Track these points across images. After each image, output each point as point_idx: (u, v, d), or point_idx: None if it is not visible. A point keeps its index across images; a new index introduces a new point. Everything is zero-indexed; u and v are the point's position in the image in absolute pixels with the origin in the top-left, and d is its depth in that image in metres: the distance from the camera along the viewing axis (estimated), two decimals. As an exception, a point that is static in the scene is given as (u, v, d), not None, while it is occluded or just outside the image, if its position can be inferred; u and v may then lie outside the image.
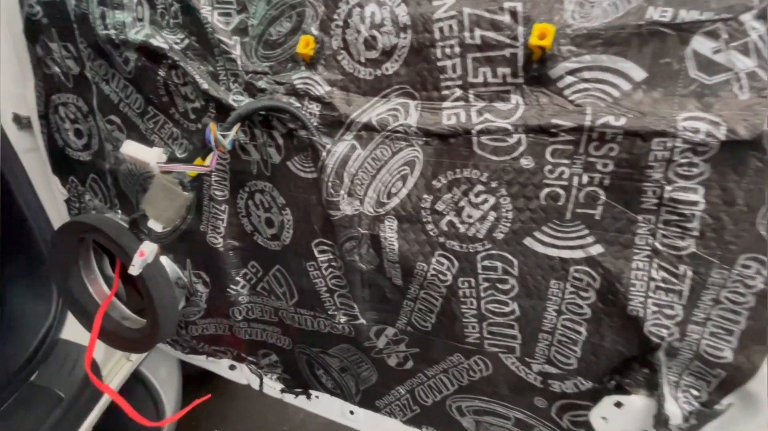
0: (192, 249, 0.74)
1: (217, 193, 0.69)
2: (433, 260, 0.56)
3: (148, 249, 0.56)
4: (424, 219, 0.54)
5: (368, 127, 0.53)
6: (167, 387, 1.30)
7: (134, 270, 0.56)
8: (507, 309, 0.56)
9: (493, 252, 0.53)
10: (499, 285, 0.55)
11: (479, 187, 0.50)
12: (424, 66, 0.49)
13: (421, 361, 0.67)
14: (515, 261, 0.52)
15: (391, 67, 0.51)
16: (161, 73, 0.64)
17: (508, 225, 0.51)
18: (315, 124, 0.55)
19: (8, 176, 0.95)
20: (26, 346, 0.98)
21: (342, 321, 0.68)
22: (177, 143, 0.69)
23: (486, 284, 0.55)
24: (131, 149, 0.52)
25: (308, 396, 0.84)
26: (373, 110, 0.53)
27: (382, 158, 0.54)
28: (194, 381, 1.51)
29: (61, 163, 0.81)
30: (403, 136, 0.52)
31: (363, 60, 0.52)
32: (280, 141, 0.60)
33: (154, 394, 1.25)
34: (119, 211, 0.78)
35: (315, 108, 0.55)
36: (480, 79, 0.47)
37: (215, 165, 0.62)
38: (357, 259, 0.60)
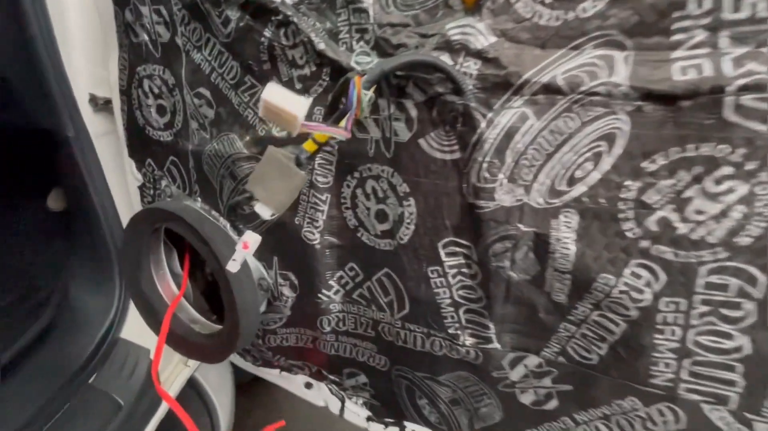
0: (282, 245, 0.63)
1: (319, 178, 0.57)
2: (627, 271, 0.41)
3: (252, 241, 0.45)
4: (622, 215, 0.40)
5: (549, 89, 0.40)
6: (221, 395, 1.21)
7: (234, 265, 0.45)
8: (729, 345, 0.40)
9: (729, 264, 0.37)
10: (726, 311, 0.39)
11: (726, 170, 0.35)
12: (646, 1, 0.36)
13: (572, 402, 0.52)
14: (762, 279, 0.37)
15: (591, 6, 0.38)
16: (267, 33, 0.54)
17: (763, 226, 0.35)
18: (470, 87, 0.43)
19: (80, 162, 0.89)
20: (87, 344, 0.91)
21: (467, 343, 0.55)
22: (275, 119, 0.59)
23: (704, 308, 0.40)
24: (276, 95, 0.37)
25: (402, 429, 0.70)
26: (557, 66, 0.39)
27: (564, 131, 0.40)
28: (243, 389, 1.42)
29: (139, 144, 0.74)
30: (603, 99, 0.38)
31: (548, 0, 0.39)
32: (413, 113, 0.48)
33: (208, 404, 1.15)
34: (199, 199, 0.69)
35: (472, 66, 0.43)
36: (744, 13, 0.33)
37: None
38: (507, 266, 0.46)
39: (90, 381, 0.88)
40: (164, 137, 0.69)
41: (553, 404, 0.54)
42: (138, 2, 0.63)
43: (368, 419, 0.73)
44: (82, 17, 0.79)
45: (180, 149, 0.68)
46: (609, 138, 0.39)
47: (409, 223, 0.53)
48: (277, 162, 0.43)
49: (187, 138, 0.67)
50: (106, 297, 0.98)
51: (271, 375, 0.81)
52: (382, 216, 0.56)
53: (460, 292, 0.53)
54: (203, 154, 0.65)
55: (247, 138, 0.61)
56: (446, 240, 0.51)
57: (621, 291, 0.42)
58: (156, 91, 0.67)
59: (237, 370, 1.36)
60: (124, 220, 0.97)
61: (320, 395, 0.78)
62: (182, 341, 0.75)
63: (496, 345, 0.53)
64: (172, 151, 0.69)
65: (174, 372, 1.04)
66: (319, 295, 0.65)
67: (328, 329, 0.68)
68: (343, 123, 0.40)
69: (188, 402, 1.14)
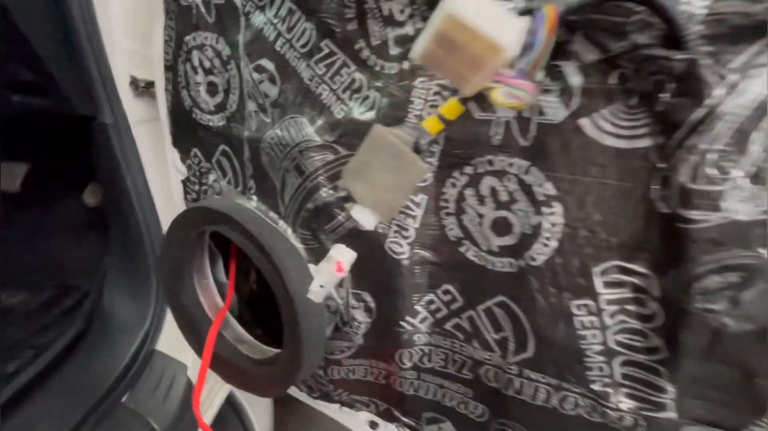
0: (359, 258, 0.49)
1: (414, 174, 0.44)
2: None
3: (346, 260, 0.32)
4: None
5: None
6: (261, 416, 1.10)
7: (319, 294, 0.33)
8: None
9: None
10: None
11: None
12: None
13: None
14: None
15: None
16: (356, -21, 0.40)
17: None
18: (693, 35, 0.28)
19: (118, 152, 0.79)
20: (121, 356, 0.81)
21: (623, 407, 0.39)
22: (358, 97, 0.45)
23: None
24: (476, 9, 0.22)
25: (497, 495, 0.56)
26: None
27: None
28: (278, 398, 1.31)
29: (185, 130, 0.63)
30: None
31: None
32: (576, 80, 0.33)
33: (246, 425, 1.04)
34: (254, 197, 0.57)
35: (697, 3, 0.28)
36: None
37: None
38: (723, 310, 0.31)
39: (123, 400, 0.79)
40: (214, 122, 0.58)
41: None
42: (189, -46, 0.51)
43: (451, 476, 0.59)
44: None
45: (233, 136, 0.56)
46: None
47: (548, 239, 0.38)
48: (387, 147, 0.30)
49: (243, 122, 0.55)
50: (142, 303, 0.88)
51: (328, 409, 0.68)
52: (502, 227, 0.41)
53: (620, 337, 0.38)
54: (262, 142, 0.53)
55: (320, 122, 0.48)
56: (609, 264, 0.36)
57: None
58: (207, 65, 0.56)
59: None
60: (164, 218, 0.87)
61: (387, 438, 0.65)
62: (228, 365, 0.63)
63: (670, 414, 0.37)
64: (224, 138, 0.57)
65: (213, 389, 0.94)
66: (402, 323, 0.51)
67: (408, 365, 0.54)
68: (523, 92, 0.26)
69: (226, 423, 1.03)
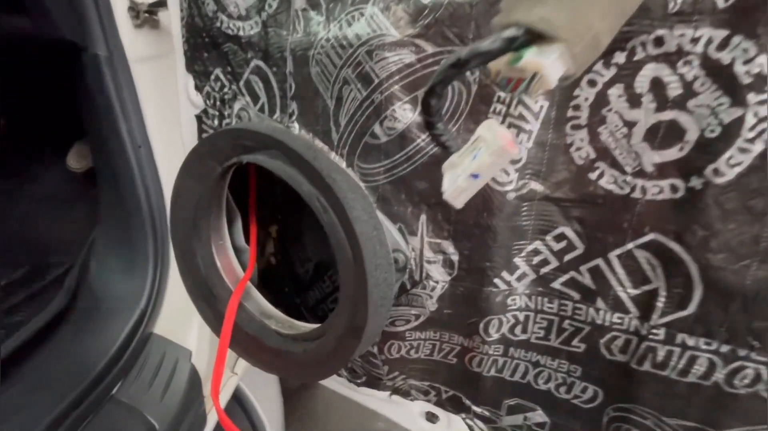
0: (438, 194, 0.38)
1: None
2: None
3: (511, 138, 0.20)
4: None
5: None
6: (271, 412, 0.96)
7: (464, 195, 0.21)
8: None
9: None
10: None
11: None
12: None
13: None
14: None
15: None
16: None
17: None
18: None
19: (112, 94, 0.66)
20: (111, 340, 0.67)
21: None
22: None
23: None
24: None
25: (604, 502, 0.44)
26: None
27: None
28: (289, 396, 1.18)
29: (204, 47, 0.50)
30: None
31: None
32: None
33: (255, 422, 0.91)
34: (295, 124, 0.45)
35: None
36: None
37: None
38: None
39: (114, 392, 0.65)
40: (245, 30, 0.45)
41: None
42: None
43: (537, 479, 0.48)
44: None
45: (271, 45, 0.44)
46: None
47: (751, 140, 0.27)
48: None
49: (285, 26, 0.43)
50: (137, 279, 0.74)
51: (371, 398, 0.56)
52: (667, 135, 0.30)
53: None
54: (313, 47, 0.41)
55: (399, 8, 0.36)
56: None
57: None
58: (240, -49, 0.43)
59: (282, 379, 1.12)
60: (166, 178, 0.74)
61: (449, 433, 0.53)
62: (253, 344, 0.50)
63: None
64: (258, 49, 0.45)
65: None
66: (495, 281, 0.39)
67: (494, 336, 0.42)
68: None
69: (234, 422, 0.90)
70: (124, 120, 0.68)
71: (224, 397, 0.79)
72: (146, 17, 0.63)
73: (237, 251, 0.59)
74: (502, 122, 0.34)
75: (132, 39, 0.65)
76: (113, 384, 0.65)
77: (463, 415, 0.50)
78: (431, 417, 0.53)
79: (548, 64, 0.19)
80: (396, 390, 0.52)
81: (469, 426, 0.50)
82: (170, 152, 0.71)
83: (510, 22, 0.19)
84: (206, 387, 0.73)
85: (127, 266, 0.75)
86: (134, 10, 0.62)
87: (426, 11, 0.35)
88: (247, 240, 0.60)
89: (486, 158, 0.21)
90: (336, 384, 0.62)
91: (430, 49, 0.36)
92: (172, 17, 0.52)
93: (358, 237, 0.36)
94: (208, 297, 0.53)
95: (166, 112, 0.69)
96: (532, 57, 0.19)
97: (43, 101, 0.98)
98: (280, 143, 0.38)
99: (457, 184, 0.22)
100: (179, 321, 0.74)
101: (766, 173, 0.27)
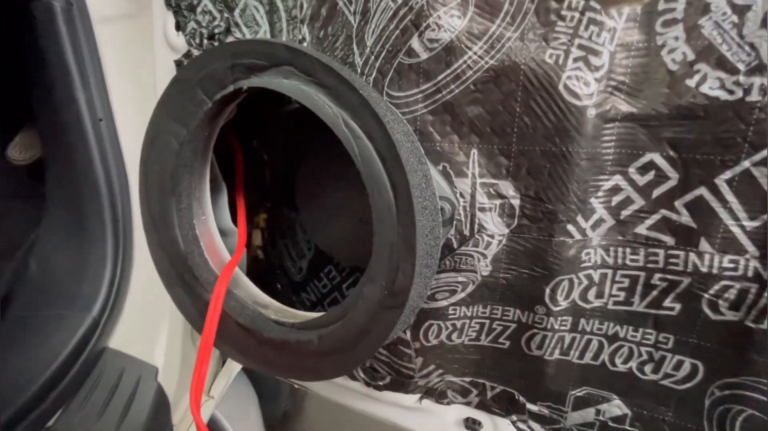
0: (500, 116, 0.30)
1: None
2: None
3: None
4: None
5: None
6: (252, 447, 0.81)
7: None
8: None
9: None
10: None
11: None
12: None
13: None
14: None
15: None
16: None
17: None
18: None
19: (70, 57, 0.56)
20: (49, 359, 0.52)
21: None
22: None
23: None
24: None
25: None
26: None
27: None
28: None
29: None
30: None
31: None
32: None
33: (234, 460, 0.75)
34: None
35: None
36: None
37: None
38: None
39: (50, 424, 0.49)
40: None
41: None
42: None
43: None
44: None
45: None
46: None
47: None
48: None
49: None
50: (89, 281, 0.60)
51: (397, 407, 0.45)
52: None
53: None
54: (332, -48, 0.34)
55: None
56: None
57: None
58: None
59: (263, 408, 0.97)
60: (130, 160, 0.62)
61: (493, 444, 0.42)
62: (246, 337, 0.39)
63: None
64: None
65: (187, 415, 0.65)
66: (569, 227, 0.32)
67: (563, 304, 0.34)
68: None
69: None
70: (83, 88, 0.58)
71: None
72: (115, -34, 0.55)
73: (222, 234, 0.48)
74: (579, 19, 0.28)
75: (96, -3, 0.56)
76: (49, 413, 0.49)
77: (515, 417, 0.40)
78: (472, 424, 0.43)
79: None
80: (428, 392, 0.42)
81: (522, 430, 0.40)
82: (137, 127, 0.60)
83: None
84: (177, 413, 0.59)
85: (78, 266, 0.61)
86: (101, -42, 0.54)
87: None
88: (234, 222, 0.50)
89: None
90: (343, 394, 0.50)
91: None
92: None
93: (404, 166, 0.27)
94: (188, 281, 0.41)
95: (135, 79, 0.59)
96: None
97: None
98: (297, 52, 0.29)
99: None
100: (143, 331, 0.60)
101: None
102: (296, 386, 0.68)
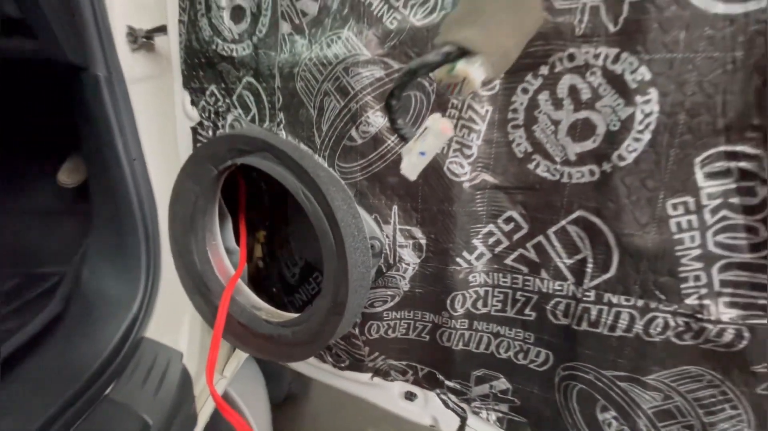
0: (410, 186, 0.45)
1: (480, 81, 0.40)
2: None
3: (448, 124, 0.27)
4: None
5: None
6: (258, 417, 0.99)
7: (416, 166, 0.27)
8: None
9: None
10: None
11: None
12: None
13: None
14: None
15: None
16: None
17: None
18: None
19: (110, 111, 0.71)
20: (104, 343, 0.70)
21: (724, 318, 0.36)
22: (414, 2, 0.42)
23: None
24: None
25: (562, 457, 0.50)
26: None
27: None
28: (278, 411, 1.20)
29: (200, 66, 0.56)
30: None
31: None
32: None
33: (244, 426, 0.93)
34: (283, 131, 0.51)
35: None
36: None
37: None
38: None
39: (107, 392, 0.67)
40: (239, 51, 0.52)
41: None
42: None
43: (505, 442, 0.53)
44: None
45: (261, 64, 0.51)
46: None
47: (641, 131, 0.35)
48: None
49: (274, 47, 0.50)
50: (129, 285, 0.77)
51: (355, 383, 0.60)
52: (583, 130, 0.38)
53: (721, 237, 0.35)
54: (297, 65, 0.48)
55: (369, 33, 0.44)
56: (713, 152, 0.33)
57: None
58: (234, -15, 0.51)
59: (269, 387, 1.14)
60: (159, 188, 0.79)
61: (426, 410, 0.58)
62: (243, 332, 0.55)
63: (780, 320, 0.34)
64: (250, 68, 0.52)
65: (205, 390, 0.83)
66: (457, 260, 0.46)
67: (460, 311, 0.48)
68: None
69: (220, 423, 0.92)
70: (120, 135, 0.73)
71: (212, 401, 0.81)
72: (143, 42, 0.70)
73: (227, 252, 0.64)
74: (456, 124, 0.42)
75: (129, 61, 0.71)
76: (107, 384, 0.67)
77: (438, 391, 0.55)
78: (410, 396, 0.58)
79: (473, 70, 0.26)
80: (377, 372, 0.57)
81: (443, 401, 0.55)
82: (162, 165, 0.76)
83: (446, 41, 0.27)
84: (197, 387, 0.76)
85: (120, 273, 0.78)
86: (132, 35, 0.69)
87: (392, 35, 0.43)
88: (237, 242, 0.65)
89: (430, 140, 0.28)
90: (322, 373, 0.66)
91: (395, 65, 0.44)
92: (171, 41, 0.59)
93: (339, 224, 0.42)
94: (203, 291, 0.57)
95: (159, 127, 0.75)
96: (461, 66, 0.26)
97: (34, 118, 1.02)
98: (271, 146, 0.44)
99: (411, 161, 0.29)
100: (170, 325, 0.77)
101: (657, 157, 0.35)
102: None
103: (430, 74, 0.28)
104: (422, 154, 0.28)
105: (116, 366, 0.70)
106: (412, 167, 0.28)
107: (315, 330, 0.48)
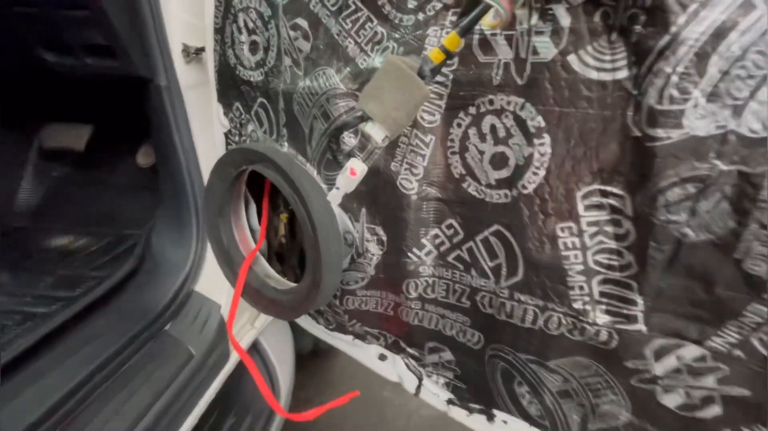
0: (373, 194, 0.56)
1: (424, 116, 0.50)
2: None
3: (359, 168, 0.39)
4: None
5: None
6: (283, 363, 1.20)
7: (336, 195, 0.40)
8: None
9: None
10: None
11: None
12: None
13: (744, 413, 0.40)
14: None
15: None
16: (381, -59, 0.47)
17: None
18: (661, -27, 0.32)
19: (169, 113, 0.90)
20: (165, 293, 0.93)
21: (599, 321, 0.44)
22: (378, 48, 0.52)
23: None
24: None
25: (490, 418, 0.61)
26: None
27: (814, 24, 0.29)
28: (300, 363, 1.41)
29: (229, 86, 0.71)
30: None
31: None
32: (565, 21, 0.38)
33: (270, 369, 1.14)
34: (285, 144, 0.65)
35: (668, -56, 0.32)
36: None
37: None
38: (683, 220, 0.35)
39: (166, 328, 0.90)
40: (255, 77, 0.66)
41: (712, 411, 0.42)
42: (240, -73, 0.59)
43: (449, 402, 0.65)
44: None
45: (270, 89, 0.64)
46: None
47: (538, 168, 0.43)
48: (397, 72, 0.36)
49: (279, 76, 0.63)
50: (184, 250, 0.99)
51: (343, 341, 0.76)
52: (499, 161, 0.47)
53: (599, 257, 0.42)
54: (295, 92, 0.60)
55: (346, 71, 0.55)
56: (590, 188, 0.41)
57: None
58: (251, 25, 0.64)
59: (297, 341, 1.36)
60: (206, 174, 0.97)
61: (394, 369, 0.71)
62: (257, 295, 0.72)
63: (640, 326, 0.42)
64: (262, 91, 0.65)
65: (241, 331, 1.04)
66: (409, 254, 0.57)
67: (413, 295, 0.60)
68: (489, 17, 0.32)
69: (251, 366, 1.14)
70: (177, 131, 0.92)
71: (244, 344, 1.02)
72: (194, 56, 0.86)
73: (252, 231, 0.81)
74: (405, 149, 0.52)
75: (183, 72, 0.88)
76: (166, 322, 0.90)
77: (402, 355, 0.68)
78: (382, 358, 0.72)
79: (373, 132, 0.36)
80: (356, 335, 0.72)
81: (406, 364, 0.68)
82: (208, 156, 0.94)
83: (360, 107, 0.38)
84: (231, 328, 0.97)
85: (178, 240, 1.00)
86: (186, 51, 0.85)
87: (362, 74, 0.53)
88: (260, 222, 0.82)
89: (343, 179, 0.39)
90: (336, 341, 0.82)
91: (364, 98, 0.54)
92: (208, 64, 0.74)
93: (314, 222, 0.55)
94: (229, 261, 0.75)
95: (205, 126, 0.92)
96: (367, 128, 0.37)
97: (120, 112, 1.26)
98: (270, 159, 0.58)
99: (332, 192, 0.40)
100: (213, 283, 0.98)
101: (550, 189, 0.43)
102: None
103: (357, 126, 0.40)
104: (337, 188, 0.40)
105: (172, 311, 0.92)
106: (332, 197, 0.40)
107: (302, 299, 0.63)
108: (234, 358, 0.96)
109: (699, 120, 0.32)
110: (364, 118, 0.37)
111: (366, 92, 0.37)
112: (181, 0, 0.84)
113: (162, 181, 1.03)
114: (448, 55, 0.35)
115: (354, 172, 0.39)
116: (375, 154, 0.42)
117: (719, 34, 0.31)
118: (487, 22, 0.33)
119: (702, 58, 0.31)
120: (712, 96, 0.32)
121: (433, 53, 0.36)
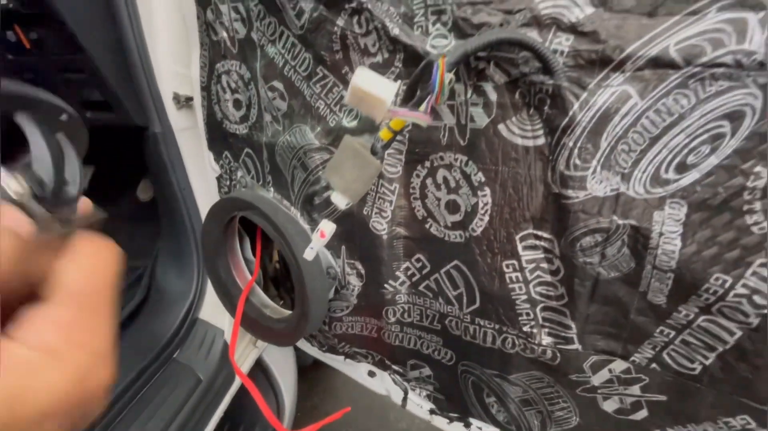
0: (350, 234, 0.63)
1: (388, 168, 0.57)
2: (748, 272, 0.36)
3: (328, 229, 0.46)
4: (746, 207, 0.35)
5: (659, 63, 0.35)
6: (286, 377, 1.27)
7: (310, 254, 0.47)
8: None
9: None
10: None
11: None
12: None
13: (666, 415, 0.47)
14: None
15: (716, -38, 0.33)
16: (339, 22, 0.54)
17: None
18: (560, 65, 0.39)
19: (165, 156, 0.97)
20: (172, 322, 1.00)
21: (544, 342, 0.51)
22: (345, 109, 0.59)
23: None
24: (365, 80, 0.37)
25: (467, 425, 0.69)
26: (669, 36, 0.35)
27: (675, 110, 0.36)
28: (304, 374, 1.49)
29: (217, 137, 0.79)
30: (730, 71, 0.33)
31: (660, -41, 0.35)
32: (493, 96, 0.45)
33: (274, 384, 1.22)
34: (271, 189, 0.72)
35: (564, 42, 0.39)
36: None
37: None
38: (596, 262, 0.43)
39: (175, 356, 0.97)
40: (240, 130, 0.73)
41: (641, 414, 0.49)
42: (218, 1, 0.66)
43: (431, 412, 0.72)
44: (168, 19, 0.85)
45: (254, 141, 0.71)
46: (734, 116, 0.34)
47: (483, 214, 0.50)
48: (353, 151, 0.43)
49: (261, 130, 0.70)
50: (187, 280, 1.07)
51: (336, 361, 0.83)
52: (453, 207, 0.54)
53: (539, 289, 0.50)
54: (276, 145, 0.67)
55: (319, 129, 0.62)
56: (525, 232, 0.48)
57: (737, 296, 0.36)
58: (233, 85, 0.71)
59: (299, 354, 1.43)
60: (203, 208, 1.05)
61: (383, 384, 0.79)
62: (255, 324, 0.79)
63: (576, 346, 0.49)
64: (248, 143, 0.72)
65: (244, 352, 1.12)
66: (386, 285, 0.64)
67: (392, 319, 0.67)
68: (423, 107, 0.39)
69: (256, 381, 1.22)
70: (173, 171, 0.99)
71: (248, 364, 1.10)
72: (184, 103, 0.93)
73: (248, 262, 0.88)
74: (374, 197, 0.59)
75: (176, 117, 0.95)
76: (174, 350, 0.97)
77: (388, 372, 0.76)
78: (371, 374, 0.79)
79: (337, 200, 0.43)
80: (347, 355, 0.79)
81: (392, 379, 0.76)
82: (204, 193, 1.02)
83: (326, 177, 0.45)
84: (235, 354, 1.05)
85: (180, 271, 1.08)
86: (177, 99, 0.92)
87: (332, 131, 0.60)
88: (254, 254, 0.89)
89: (315, 239, 0.46)
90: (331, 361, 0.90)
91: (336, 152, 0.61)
92: (198, 118, 0.81)
93: (299, 262, 0.62)
94: (228, 294, 0.82)
95: (199, 165, 0.99)
96: (333, 195, 0.44)
97: (120, 152, 1.34)
98: (255, 206, 0.65)
99: (307, 250, 0.48)
100: (215, 310, 1.05)
101: (494, 232, 0.50)
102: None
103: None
104: (311, 248, 0.47)
105: (180, 338, 1.00)
106: (308, 254, 0.47)
107: (294, 328, 0.70)
108: (238, 379, 1.04)
109: (598, 184, 0.39)
110: (330, 188, 0.44)
111: (329, 166, 0.45)
112: (170, 52, 0.91)
113: (162, 216, 1.10)
114: (395, 133, 0.42)
115: (323, 234, 0.46)
116: (339, 212, 0.49)
117: (605, 117, 0.38)
118: (397, 125, 0.40)
119: (594, 135, 0.38)
120: (606, 165, 0.39)
121: (383, 133, 0.43)
